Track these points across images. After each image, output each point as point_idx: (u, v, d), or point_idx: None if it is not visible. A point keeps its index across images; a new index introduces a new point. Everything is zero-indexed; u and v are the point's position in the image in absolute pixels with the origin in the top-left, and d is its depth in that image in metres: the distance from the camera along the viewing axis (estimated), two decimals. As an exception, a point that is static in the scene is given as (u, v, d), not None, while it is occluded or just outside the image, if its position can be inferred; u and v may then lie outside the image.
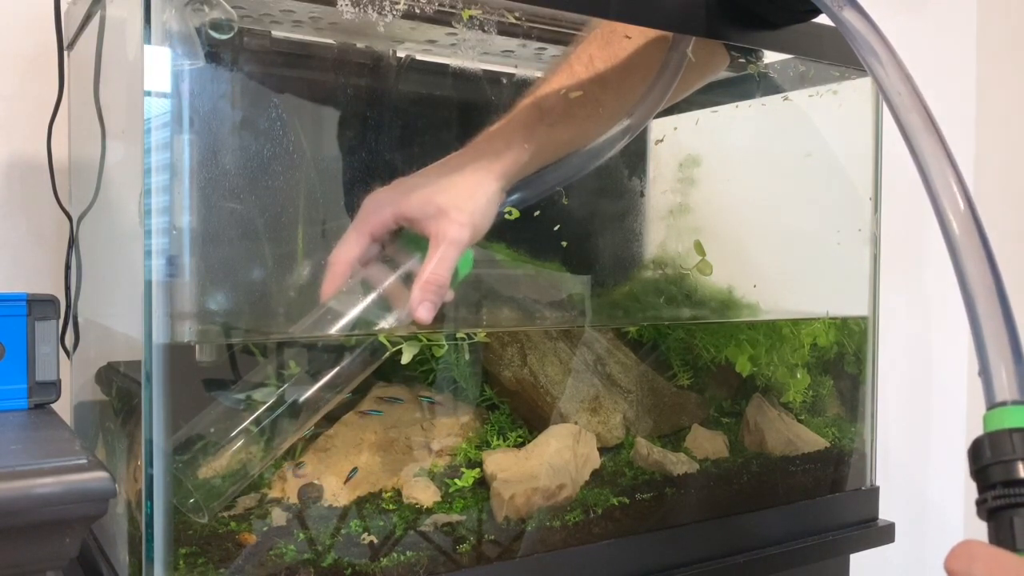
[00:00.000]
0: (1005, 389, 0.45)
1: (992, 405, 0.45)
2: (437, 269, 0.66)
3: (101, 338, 0.80)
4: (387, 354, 0.72)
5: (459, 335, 0.79)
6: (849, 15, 0.58)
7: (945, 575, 0.41)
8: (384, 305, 0.69)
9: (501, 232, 0.76)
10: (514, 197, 0.74)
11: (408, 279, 0.69)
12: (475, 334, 0.81)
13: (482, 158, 0.70)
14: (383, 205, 0.69)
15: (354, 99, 0.88)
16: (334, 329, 0.68)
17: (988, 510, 0.44)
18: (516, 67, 0.87)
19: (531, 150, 0.71)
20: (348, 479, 0.72)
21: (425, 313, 0.66)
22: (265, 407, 0.69)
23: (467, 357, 0.82)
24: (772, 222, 1.00)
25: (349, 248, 0.69)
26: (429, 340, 0.76)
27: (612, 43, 0.76)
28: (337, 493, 0.71)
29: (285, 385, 0.70)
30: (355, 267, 0.69)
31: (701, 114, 0.99)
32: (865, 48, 0.56)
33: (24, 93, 0.93)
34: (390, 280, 0.69)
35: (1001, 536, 0.42)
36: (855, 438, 0.98)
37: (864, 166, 0.96)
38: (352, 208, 0.72)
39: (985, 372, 0.46)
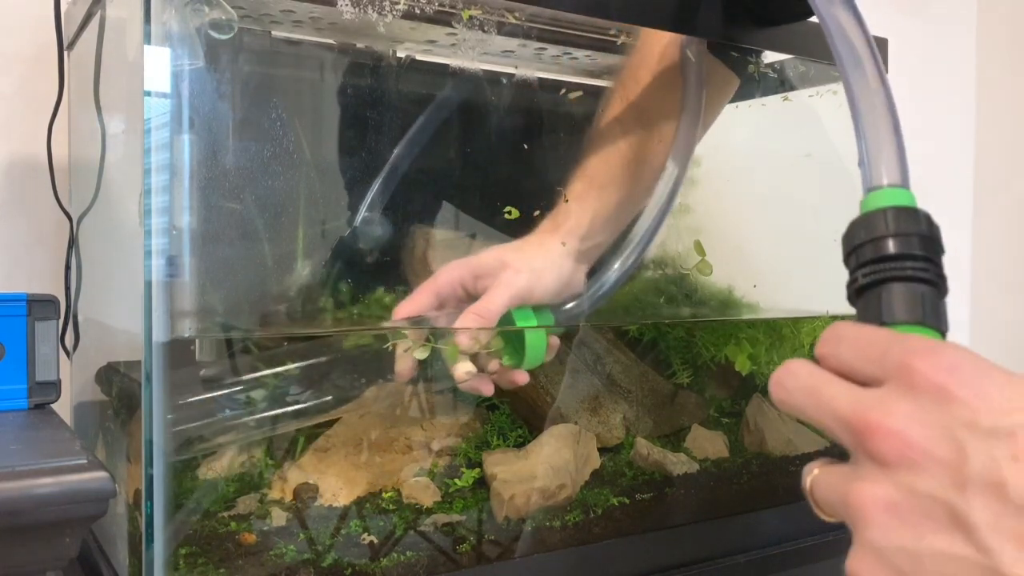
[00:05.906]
0: (883, 174, 0.42)
1: (869, 189, 0.42)
2: (485, 303, 0.70)
3: (101, 338, 0.80)
4: (390, 352, 0.72)
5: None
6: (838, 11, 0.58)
7: None
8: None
9: (502, 232, 0.76)
10: (604, 290, 0.76)
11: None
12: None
13: (544, 228, 0.75)
14: (453, 267, 0.73)
15: (354, 99, 0.88)
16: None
17: (857, 289, 0.41)
18: (516, 67, 0.87)
19: (590, 214, 0.75)
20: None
21: (464, 338, 0.70)
22: (247, 411, 0.69)
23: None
24: (772, 222, 1.00)
25: (412, 303, 0.72)
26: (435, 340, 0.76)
27: (629, 95, 0.79)
28: (336, 492, 0.71)
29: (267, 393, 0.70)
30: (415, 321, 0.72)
31: (701, 114, 0.99)
32: (844, 46, 0.55)
33: (24, 93, 0.93)
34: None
35: (869, 313, 0.39)
36: (855, 438, 0.98)
37: (864, 166, 0.95)
38: (351, 208, 0.72)
39: (865, 159, 0.44)
